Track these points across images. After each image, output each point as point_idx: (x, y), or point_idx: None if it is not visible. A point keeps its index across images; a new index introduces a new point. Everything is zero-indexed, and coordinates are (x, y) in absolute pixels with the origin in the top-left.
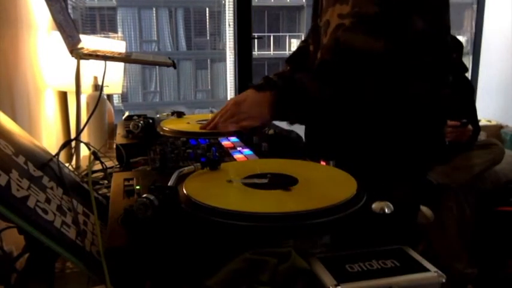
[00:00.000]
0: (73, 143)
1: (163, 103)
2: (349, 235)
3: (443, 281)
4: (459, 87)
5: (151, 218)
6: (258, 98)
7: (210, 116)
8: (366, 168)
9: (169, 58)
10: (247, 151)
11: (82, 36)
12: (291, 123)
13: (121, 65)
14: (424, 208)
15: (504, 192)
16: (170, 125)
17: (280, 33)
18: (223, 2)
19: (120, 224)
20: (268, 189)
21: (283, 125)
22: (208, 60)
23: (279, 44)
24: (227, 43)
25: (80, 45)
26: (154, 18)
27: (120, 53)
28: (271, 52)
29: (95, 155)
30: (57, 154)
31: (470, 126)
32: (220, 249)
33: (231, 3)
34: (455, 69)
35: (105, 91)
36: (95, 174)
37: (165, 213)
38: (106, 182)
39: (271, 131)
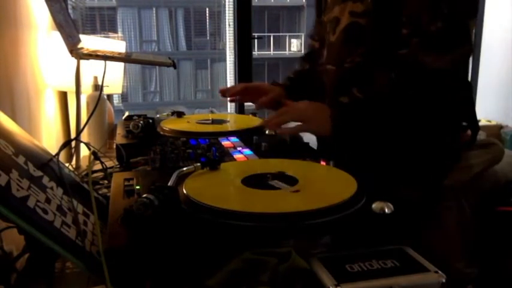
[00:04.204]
0: (73, 143)
1: (163, 103)
2: (349, 235)
3: (443, 281)
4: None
5: (151, 218)
6: (320, 107)
7: (210, 116)
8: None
9: (169, 58)
10: (247, 151)
11: (82, 36)
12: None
13: (121, 65)
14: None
15: (504, 192)
16: (170, 125)
17: (280, 33)
18: (223, 2)
19: (120, 224)
20: (268, 189)
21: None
22: (208, 60)
23: (279, 44)
24: (227, 43)
25: (80, 45)
26: (154, 18)
27: (120, 53)
28: (271, 52)
29: (95, 155)
30: (57, 154)
31: (469, 131)
32: (220, 249)
33: (231, 3)
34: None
35: (105, 91)
36: (95, 174)
37: (165, 213)
38: (106, 182)
39: (271, 131)
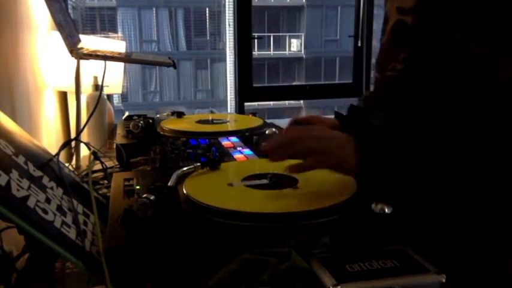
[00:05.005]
0: (73, 143)
1: (163, 103)
2: (349, 235)
3: (443, 281)
4: None
5: (151, 218)
6: (346, 138)
7: (210, 116)
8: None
9: (169, 58)
10: (247, 151)
11: (82, 36)
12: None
13: (121, 65)
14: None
15: None
16: (170, 125)
17: (280, 33)
18: (223, 2)
19: (120, 224)
20: (268, 189)
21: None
22: (208, 60)
23: (279, 44)
24: (227, 43)
25: (80, 45)
26: (154, 18)
27: (120, 53)
28: (271, 52)
29: (95, 155)
30: (57, 154)
31: None
32: (220, 249)
33: (231, 3)
34: None
35: (105, 91)
36: (95, 174)
37: (165, 213)
38: (106, 182)
39: (271, 131)
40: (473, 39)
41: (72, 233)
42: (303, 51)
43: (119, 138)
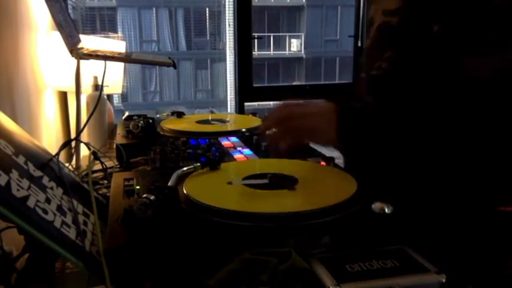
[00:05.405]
0: (73, 143)
1: (163, 103)
2: (349, 235)
3: (443, 281)
4: None
5: (151, 218)
6: (324, 109)
7: (210, 116)
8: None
9: (169, 58)
10: (247, 151)
11: (82, 36)
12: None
13: (121, 65)
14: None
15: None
16: (170, 125)
17: (280, 33)
18: (223, 2)
19: (120, 224)
20: (268, 189)
21: None
22: (208, 60)
23: (279, 44)
24: (227, 43)
25: (80, 45)
26: (154, 18)
27: (120, 53)
28: (271, 52)
29: (95, 155)
30: (57, 154)
31: None
32: (220, 249)
33: (231, 3)
34: None
35: (105, 91)
36: (95, 174)
37: (165, 213)
38: (106, 182)
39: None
40: (453, 37)
41: (72, 233)
42: (303, 51)
43: (119, 138)
